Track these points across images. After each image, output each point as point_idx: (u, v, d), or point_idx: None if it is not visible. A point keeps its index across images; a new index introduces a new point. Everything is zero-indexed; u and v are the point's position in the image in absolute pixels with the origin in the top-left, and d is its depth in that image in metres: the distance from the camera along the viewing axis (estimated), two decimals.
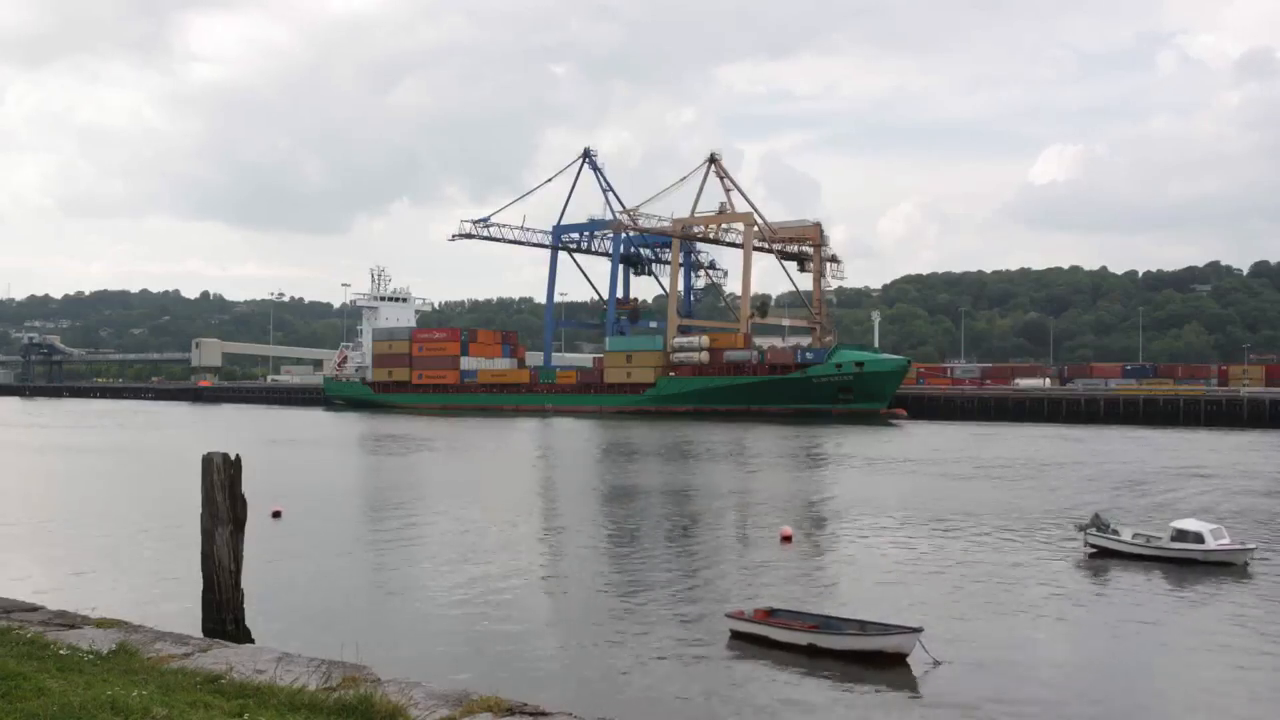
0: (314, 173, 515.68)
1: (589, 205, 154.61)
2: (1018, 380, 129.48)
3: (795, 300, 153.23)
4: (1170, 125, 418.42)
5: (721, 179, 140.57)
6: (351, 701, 10.38)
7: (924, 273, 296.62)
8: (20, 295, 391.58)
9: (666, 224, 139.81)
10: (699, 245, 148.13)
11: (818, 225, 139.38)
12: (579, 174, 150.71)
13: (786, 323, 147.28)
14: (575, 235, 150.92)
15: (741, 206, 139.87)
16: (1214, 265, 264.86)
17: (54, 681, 10.39)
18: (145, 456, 64.15)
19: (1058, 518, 35.30)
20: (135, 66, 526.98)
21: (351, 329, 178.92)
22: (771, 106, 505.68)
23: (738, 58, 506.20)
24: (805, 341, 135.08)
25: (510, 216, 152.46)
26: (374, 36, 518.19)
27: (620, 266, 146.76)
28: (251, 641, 17.83)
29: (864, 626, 18.83)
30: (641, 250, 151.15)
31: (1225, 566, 26.06)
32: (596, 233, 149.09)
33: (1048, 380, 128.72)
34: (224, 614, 19.35)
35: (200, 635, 16.31)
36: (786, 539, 30.45)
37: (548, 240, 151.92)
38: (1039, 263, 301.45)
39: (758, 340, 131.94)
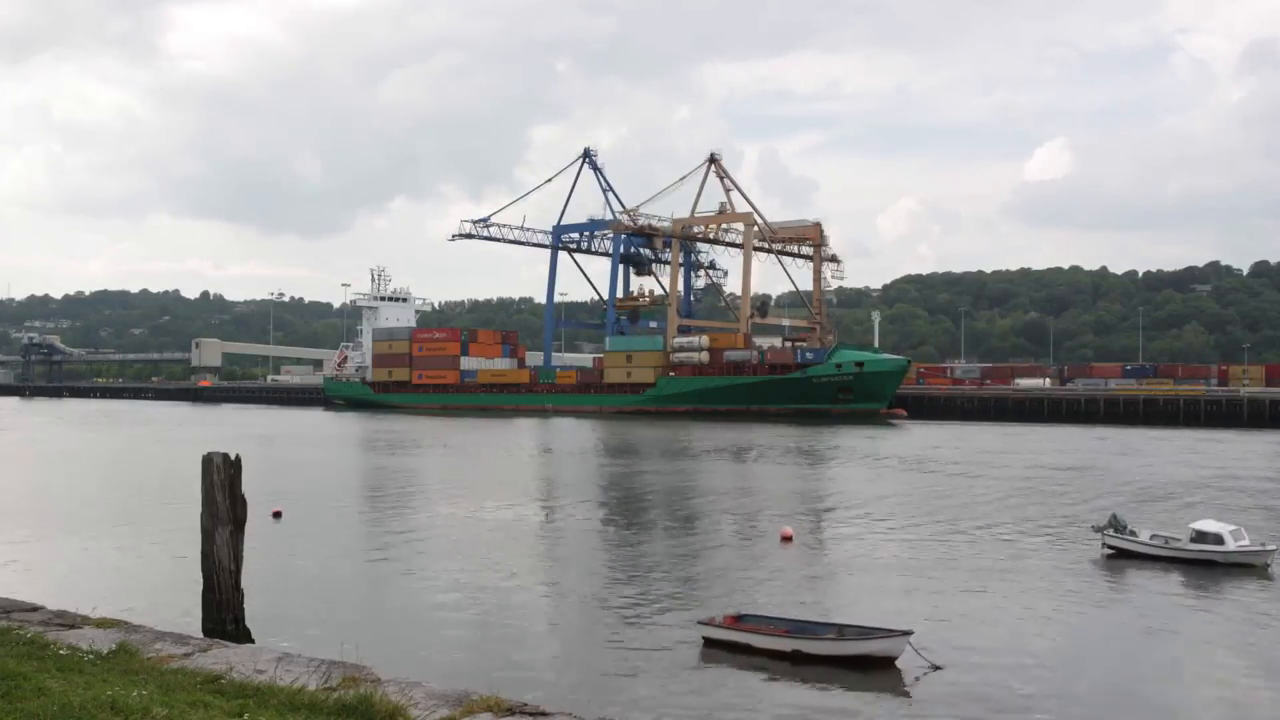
0: (309, 170, 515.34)
1: (589, 205, 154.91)
2: (1018, 380, 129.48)
3: (795, 300, 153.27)
4: (1170, 123, 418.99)
5: (721, 179, 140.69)
6: (351, 701, 10.38)
7: (924, 273, 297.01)
8: (20, 295, 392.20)
9: (666, 224, 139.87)
10: (699, 245, 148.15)
11: (818, 225, 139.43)
12: (579, 174, 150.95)
13: (787, 323, 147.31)
14: (575, 235, 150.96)
15: (741, 206, 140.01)
16: (1214, 265, 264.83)
17: (54, 681, 10.39)
18: (145, 456, 64.14)
19: (1060, 518, 35.30)
20: (123, 62, 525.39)
21: (351, 329, 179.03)
22: (770, 104, 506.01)
23: (737, 55, 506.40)
24: (805, 341, 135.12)
25: (510, 216, 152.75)
26: (363, 29, 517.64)
27: (620, 266, 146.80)
28: (251, 641, 17.83)
29: (843, 630, 18.24)
30: (642, 250, 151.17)
31: (1245, 568, 25.74)
32: (596, 233, 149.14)
33: (1048, 380, 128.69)
34: (224, 614, 19.35)
35: (200, 635, 16.30)
36: (786, 539, 30.45)
37: (548, 240, 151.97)
38: (1039, 262, 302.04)
39: (757, 340, 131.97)
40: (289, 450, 69.49)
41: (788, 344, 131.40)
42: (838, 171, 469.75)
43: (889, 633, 17.81)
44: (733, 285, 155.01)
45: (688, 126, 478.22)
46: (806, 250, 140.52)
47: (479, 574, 25.76)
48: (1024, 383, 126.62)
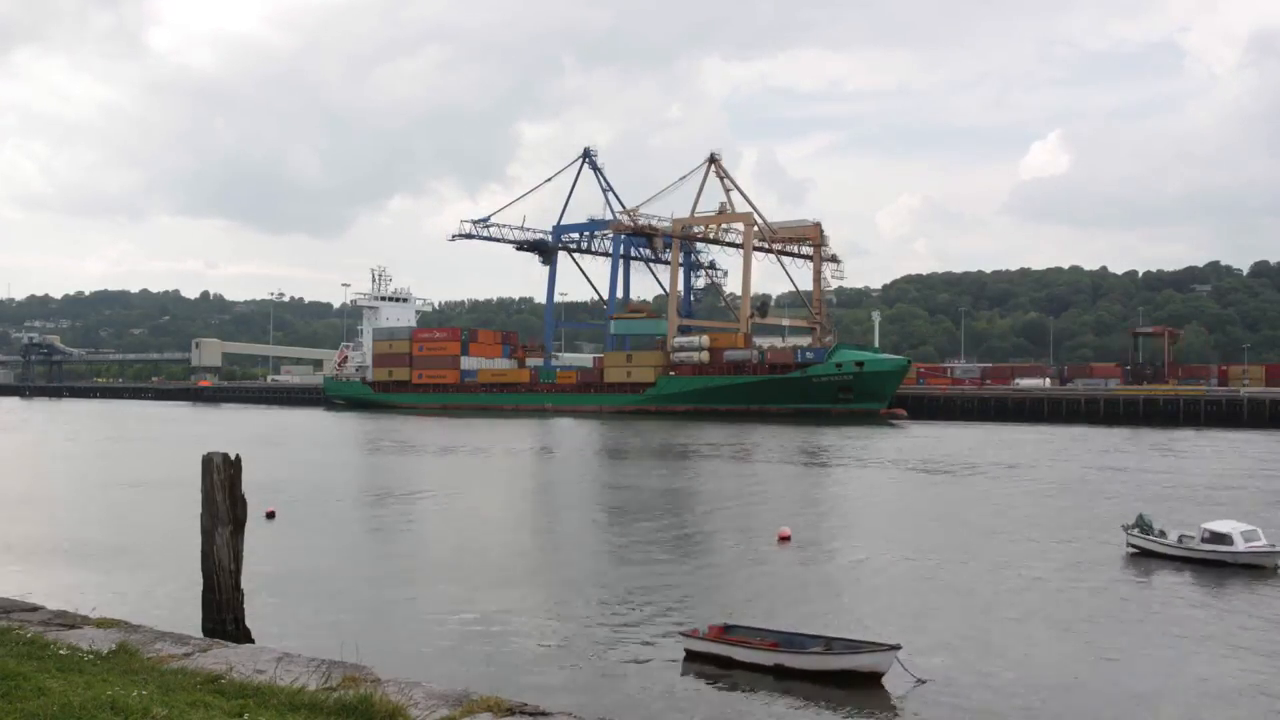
0: (305, 168, 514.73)
1: (589, 205, 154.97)
2: (1018, 380, 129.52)
3: (795, 300, 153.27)
4: (1171, 120, 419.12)
5: (721, 179, 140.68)
6: (351, 701, 10.38)
7: (924, 273, 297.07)
8: (20, 295, 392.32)
9: (666, 224, 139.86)
10: (699, 245, 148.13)
11: (818, 225, 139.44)
12: (579, 174, 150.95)
13: (786, 322, 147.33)
14: (575, 235, 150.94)
15: (741, 206, 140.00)
16: (1214, 265, 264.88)
17: (54, 681, 10.38)
18: (145, 457, 64.14)
19: (1061, 519, 35.29)
20: (109, 57, 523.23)
21: (352, 329, 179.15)
22: (770, 103, 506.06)
23: (736, 52, 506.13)
24: (805, 341, 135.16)
25: (510, 216, 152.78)
26: (354, 23, 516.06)
27: (620, 266, 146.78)
28: (251, 641, 17.83)
29: (830, 644, 17.64)
30: (642, 250, 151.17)
31: (1256, 569, 25.56)
32: (596, 233, 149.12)
33: (1048, 380, 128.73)
34: (224, 614, 19.34)
35: (200, 635, 16.30)
36: (784, 539, 30.44)
37: (548, 240, 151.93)
38: (1039, 262, 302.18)
39: (758, 340, 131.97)
40: (288, 450, 69.47)
41: (788, 343, 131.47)
42: (836, 171, 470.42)
43: (876, 647, 17.25)
44: (733, 285, 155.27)
45: (686, 124, 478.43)
46: (806, 250, 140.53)
47: (478, 574, 25.75)
48: (1024, 383, 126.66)
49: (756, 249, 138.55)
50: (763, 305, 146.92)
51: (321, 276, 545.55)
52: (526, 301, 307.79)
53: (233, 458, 19.70)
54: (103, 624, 14.62)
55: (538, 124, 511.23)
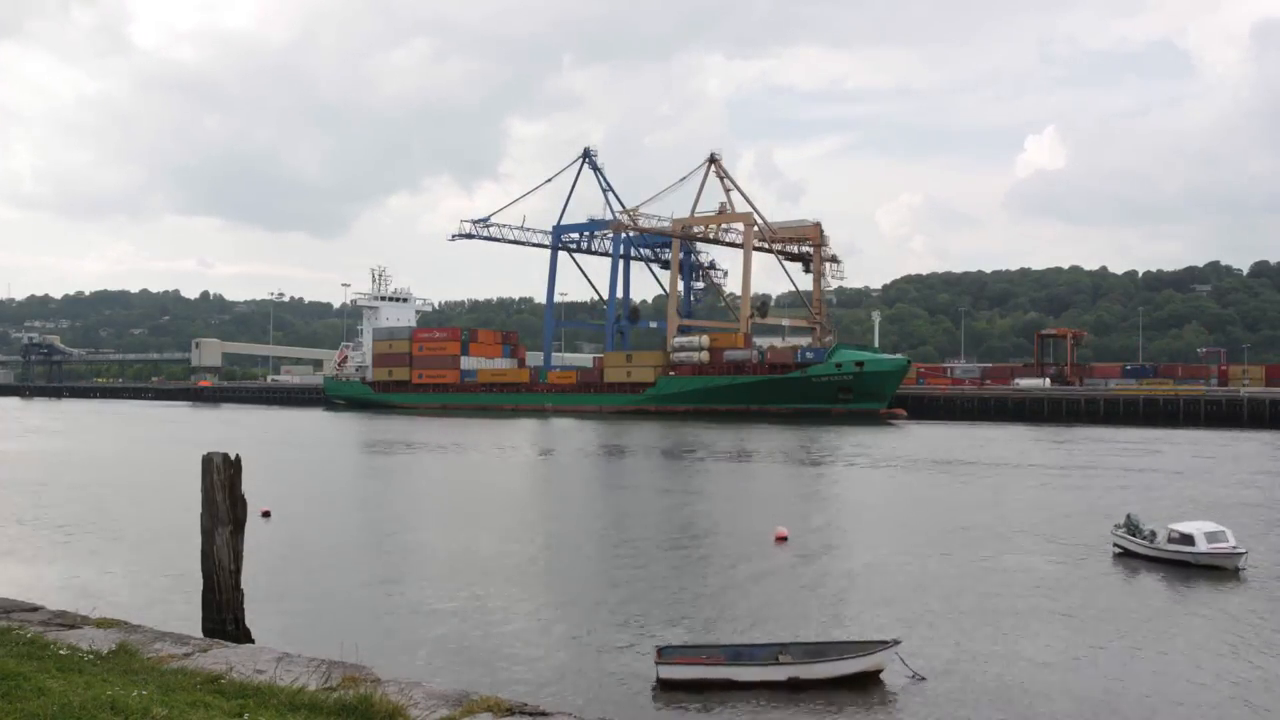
0: (302, 165, 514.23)
1: (589, 205, 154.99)
2: (1018, 380, 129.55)
3: (795, 300, 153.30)
4: (1171, 118, 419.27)
5: (721, 179, 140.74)
6: (351, 701, 10.38)
7: (924, 273, 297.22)
8: (20, 295, 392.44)
9: (666, 224, 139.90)
10: (699, 245, 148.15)
11: (818, 225, 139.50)
12: (579, 174, 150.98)
13: (786, 323, 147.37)
14: (575, 235, 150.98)
15: (741, 206, 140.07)
16: (1214, 265, 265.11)
17: (54, 681, 10.38)
18: (144, 457, 64.14)
19: (1059, 520, 35.29)
20: (95, 52, 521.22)
21: (352, 329, 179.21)
22: (769, 101, 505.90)
23: (735, 49, 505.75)
24: (805, 341, 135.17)
25: (510, 216, 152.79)
26: (347, 15, 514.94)
27: (620, 266, 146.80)
28: (251, 641, 17.83)
29: (784, 649, 17.42)
30: (642, 250, 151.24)
31: (1216, 570, 25.81)
32: (596, 233, 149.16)
33: (1048, 380, 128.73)
34: (224, 614, 19.34)
35: (200, 635, 16.30)
36: (782, 539, 30.43)
37: (548, 240, 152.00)
38: (1039, 262, 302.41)
39: (758, 340, 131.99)
40: (287, 450, 69.49)
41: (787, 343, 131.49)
42: (836, 170, 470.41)
43: (881, 643, 17.24)
44: (733, 285, 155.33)
45: (682, 122, 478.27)
46: (806, 250, 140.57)
47: (478, 574, 25.76)
48: (1024, 383, 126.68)
49: (756, 249, 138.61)
50: (763, 305, 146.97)
51: (321, 276, 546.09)
52: (526, 301, 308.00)
53: (232, 458, 19.70)
54: (103, 624, 14.62)
55: (532, 121, 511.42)
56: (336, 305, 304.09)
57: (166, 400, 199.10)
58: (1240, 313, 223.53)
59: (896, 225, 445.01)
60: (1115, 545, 28.64)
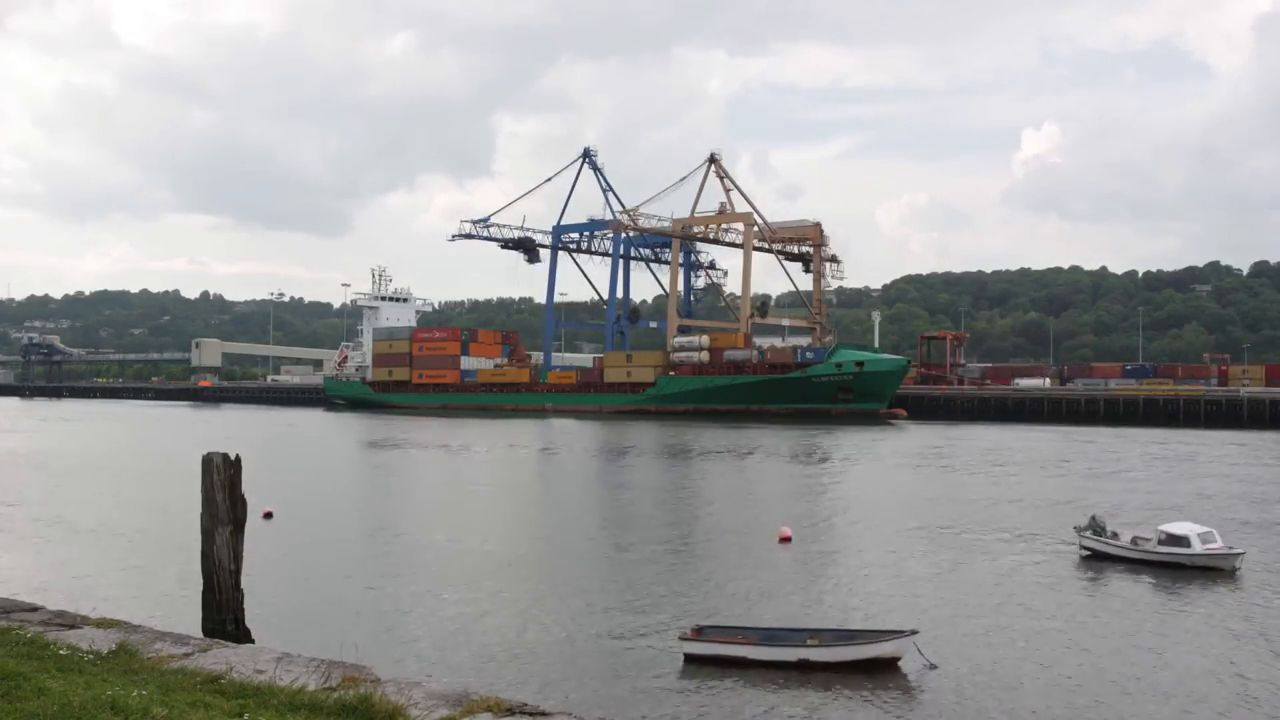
0: (300, 162, 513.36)
1: (589, 205, 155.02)
2: (1018, 380, 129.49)
3: (795, 300, 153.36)
4: (1171, 116, 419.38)
5: (721, 179, 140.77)
6: (351, 701, 10.38)
7: (924, 273, 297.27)
8: (20, 295, 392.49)
9: (666, 224, 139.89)
10: (699, 245, 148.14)
11: (818, 225, 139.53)
12: (579, 173, 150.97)
13: (786, 323, 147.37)
14: (575, 235, 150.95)
15: (741, 206, 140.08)
16: (1214, 265, 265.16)
17: (54, 681, 10.39)
18: (144, 457, 64.15)
19: (1056, 520, 35.28)
20: (80, 47, 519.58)
21: (352, 329, 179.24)
22: (768, 100, 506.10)
23: (736, 47, 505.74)
24: (805, 341, 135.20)
25: (510, 216, 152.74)
26: (339, 9, 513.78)
27: (620, 266, 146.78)
28: (251, 641, 17.84)
29: (817, 635, 17.87)
30: (642, 250, 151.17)
31: (1213, 571, 25.60)
32: (596, 233, 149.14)
33: (1048, 380, 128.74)
34: (224, 614, 19.34)
35: (200, 635, 16.31)
36: (785, 539, 30.44)
37: (548, 240, 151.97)
38: (1039, 262, 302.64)
39: (757, 340, 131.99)
40: (288, 451, 69.50)
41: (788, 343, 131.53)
42: (835, 169, 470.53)
43: (896, 633, 17.59)
44: (733, 285, 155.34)
45: (680, 120, 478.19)
46: (806, 250, 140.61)
47: (478, 574, 25.76)
48: (1024, 383, 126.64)
49: (756, 249, 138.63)
50: (763, 305, 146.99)
51: (321, 276, 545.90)
52: (526, 301, 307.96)
53: (232, 458, 19.71)
54: (103, 624, 14.63)
55: (528, 117, 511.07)
56: (336, 305, 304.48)
57: (166, 400, 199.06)
58: (1240, 313, 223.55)
59: (896, 225, 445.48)
60: (1083, 548, 28.08)
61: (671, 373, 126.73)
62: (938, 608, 22.12)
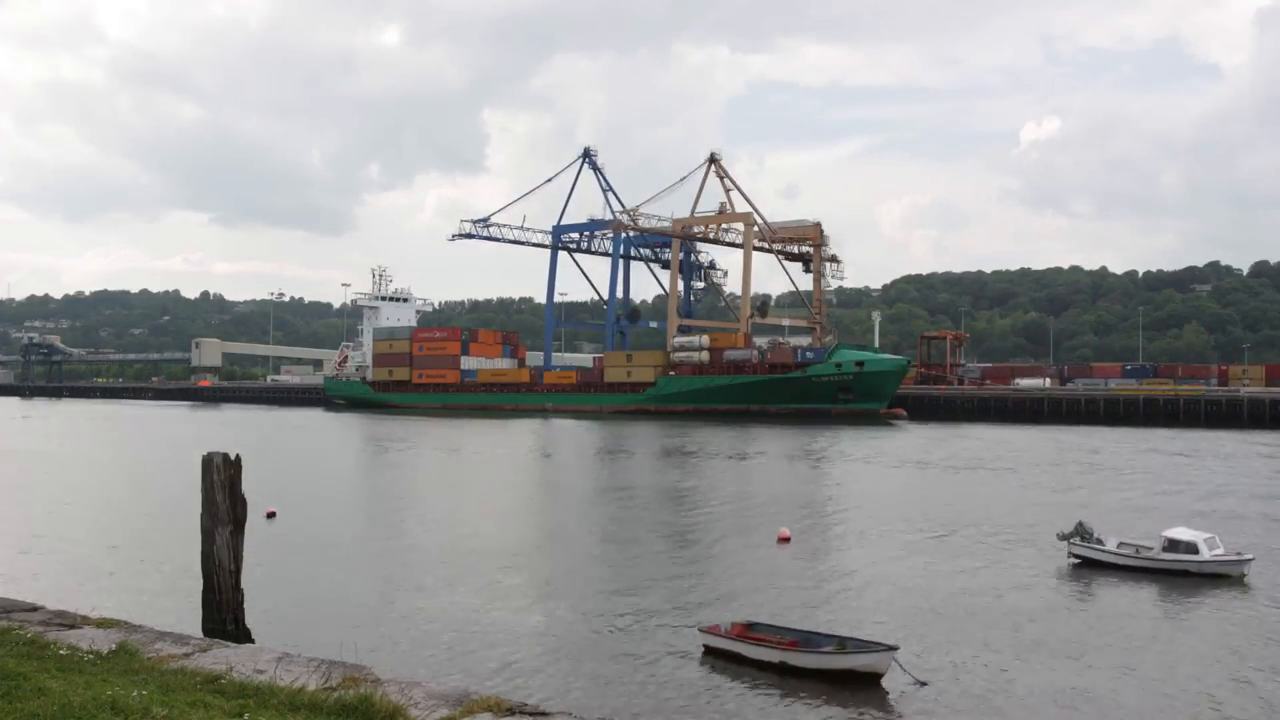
0: (298, 159, 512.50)
1: (589, 205, 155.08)
2: (1018, 380, 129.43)
3: (795, 300, 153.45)
4: (1171, 115, 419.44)
5: (721, 179, 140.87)
6: (351, 701, 10.38)
7: (924, 273, 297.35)
8: (20, 295, 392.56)
9: (666, 224, 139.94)
10: (699, 245, 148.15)
11: (818, 225, 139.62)
12: (579, 173, 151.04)
13: (787, 322, 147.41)
14: (575, 235, 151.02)
15: (741, 206, 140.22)
16: (1214, 265, 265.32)
17: (54, 681, 10.39)
18: (144, 456, 64.14)
19: (1056, 520, 35.27)
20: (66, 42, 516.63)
21: (352, 329, 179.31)
22: (767, 99, 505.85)
23: (734, 46, 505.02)
24: (805, 341, 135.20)
25: (510, 216, 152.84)
26: (333, 5, 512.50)
27: (620, 266, 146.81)
28: (251, 641, 17.84)
29: (844, 643, 17.73)
30: (642, 250, 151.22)
31: (1221, 578, 24.80)
32: (596, 233, 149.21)
33: (1048, 380, 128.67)
34: (224, 614, 19.35)
35: (200, 635, 16.30)
36: (784, 540, 30.42)
37: (548, 240, 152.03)
38: (1039, 262, 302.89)
39: (757, 340, 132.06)
40: (288, 451, 69.49)
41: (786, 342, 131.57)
42: (835, 169, 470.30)
43: (875, 647, 17.32)
44: (733, 285, 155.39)
45: (678, 118, 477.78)
46: (806, 250, 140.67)
47: (478, 574, 25.76)
48: (1024, 383, 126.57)
49: (756, 249, 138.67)
50: (763, 305, 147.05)
51: (321, 276, 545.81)
52: (526, 301, 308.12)
53: (233, 458, 19.71)
54: (103, 624, 14.63)
55: (521, 112, 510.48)
56: (336, 305, 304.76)
57: (166, 400, 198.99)
58: (1240, 313, 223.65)
59: (896, 225, 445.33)
60: (1072, 555, 27.20)
61: (672, 373, 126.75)
62: (933, 614, 22.06)
